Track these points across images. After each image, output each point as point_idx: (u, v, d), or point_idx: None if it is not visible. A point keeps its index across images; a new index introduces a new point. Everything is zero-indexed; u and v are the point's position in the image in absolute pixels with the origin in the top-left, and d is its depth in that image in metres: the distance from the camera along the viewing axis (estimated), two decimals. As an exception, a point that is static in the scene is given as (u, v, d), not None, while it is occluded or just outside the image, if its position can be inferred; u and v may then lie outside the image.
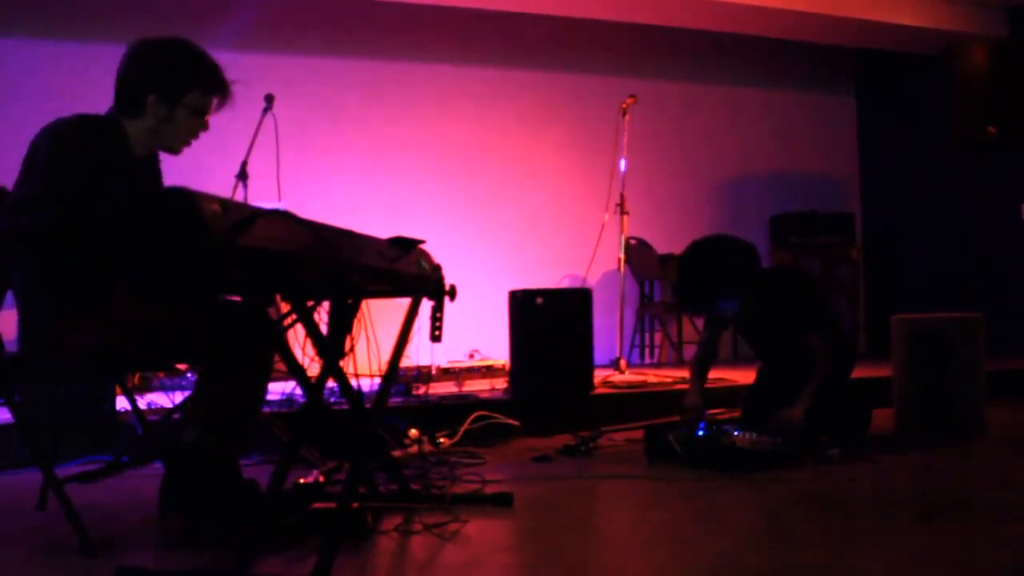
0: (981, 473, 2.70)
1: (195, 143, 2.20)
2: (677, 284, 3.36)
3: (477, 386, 4.12)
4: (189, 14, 5.22)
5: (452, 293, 2.31)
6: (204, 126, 2.16)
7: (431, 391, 3.88)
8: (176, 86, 2.07)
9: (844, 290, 6.34)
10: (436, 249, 2.32)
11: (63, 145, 1.94)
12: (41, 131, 1.98)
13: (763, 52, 6.51)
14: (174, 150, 2.17)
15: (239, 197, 4.23)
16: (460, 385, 4.09)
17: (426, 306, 2.25)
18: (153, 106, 2.06)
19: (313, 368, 1.98)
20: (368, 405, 2.20)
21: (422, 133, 5.90)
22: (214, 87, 2.12)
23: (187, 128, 2.13)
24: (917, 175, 6.55)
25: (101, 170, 1.95)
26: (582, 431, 3.36)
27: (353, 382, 2.23)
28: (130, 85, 2.07)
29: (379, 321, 2.32)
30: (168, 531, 1.94)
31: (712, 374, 3.49)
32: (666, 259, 5.74)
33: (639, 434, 3.13)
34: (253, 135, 4.32)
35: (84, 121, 2.01)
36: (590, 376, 3.92)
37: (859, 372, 3.45)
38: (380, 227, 2.23)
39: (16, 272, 2.03)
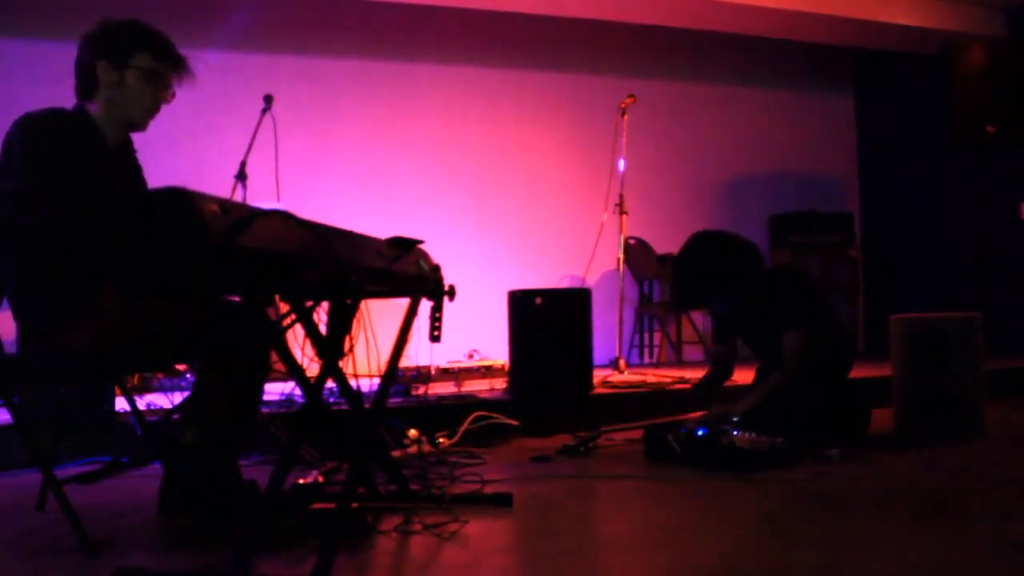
0: (980, 473, 2.70)
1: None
2: (673, 277, 3.39)
3: (476, 386, 4.12)
4: (189, 14, 5.21)
5: (451, 293, 2.31)
6: (164, 95, 2.14)
7: (430, 391, 3.88)
8: (121, 48, 2.09)
9: (843, 289, 6.34)
10: (435, 249, 2.32)
11: (39, 139, 1.94)
12: (13, 125, 1.97)
13: (762, 52, 6.51)
14: (137, 122, 2.16)
15: (238, 197, 4.23)
16: (459, 385, 4.09)
17: (425, 306, 2.25)
18: (104, 73, 2.08)
19: (312, 368, 1.98)
20: (367, 405, 2.19)
21: (421, 133, 5.90)
22: (162, 52, 2.12)
23: (142, 94, 2.12)
24: (916, 174, 6.56)
25: (79, 160, 1.95)
26: (581, 431, 3.36)
27: (352, 382, 2.23)
28: (82, 64, 2.11)
29: (378, 321, 2.32)
30: (168, 531, 1.94)
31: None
32: (665, 259, 5.74)
33: (638, 434, 3.13)
34: (252, 135, 4.32)
35: (54, 114, 2.02)
36: (589, 376, 3.92)
37: (858, 371, 3.45)
38: (379, 227, 2.23)
39: (11, 271, 2.02)
